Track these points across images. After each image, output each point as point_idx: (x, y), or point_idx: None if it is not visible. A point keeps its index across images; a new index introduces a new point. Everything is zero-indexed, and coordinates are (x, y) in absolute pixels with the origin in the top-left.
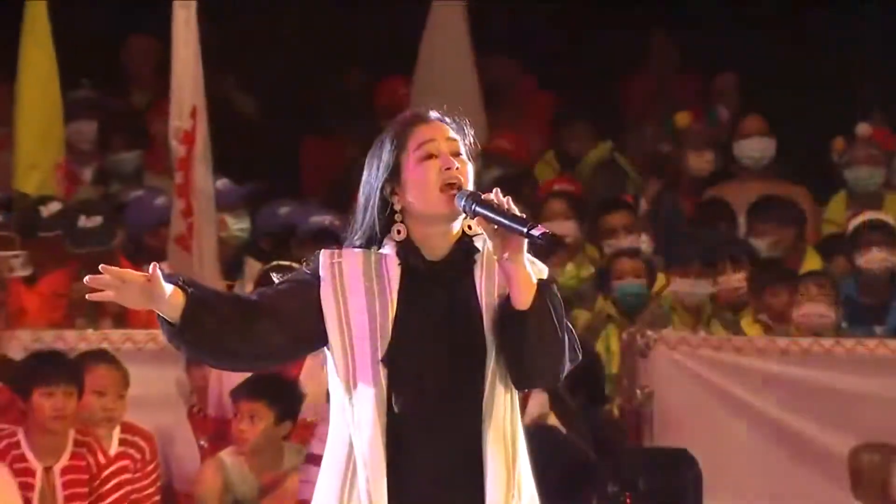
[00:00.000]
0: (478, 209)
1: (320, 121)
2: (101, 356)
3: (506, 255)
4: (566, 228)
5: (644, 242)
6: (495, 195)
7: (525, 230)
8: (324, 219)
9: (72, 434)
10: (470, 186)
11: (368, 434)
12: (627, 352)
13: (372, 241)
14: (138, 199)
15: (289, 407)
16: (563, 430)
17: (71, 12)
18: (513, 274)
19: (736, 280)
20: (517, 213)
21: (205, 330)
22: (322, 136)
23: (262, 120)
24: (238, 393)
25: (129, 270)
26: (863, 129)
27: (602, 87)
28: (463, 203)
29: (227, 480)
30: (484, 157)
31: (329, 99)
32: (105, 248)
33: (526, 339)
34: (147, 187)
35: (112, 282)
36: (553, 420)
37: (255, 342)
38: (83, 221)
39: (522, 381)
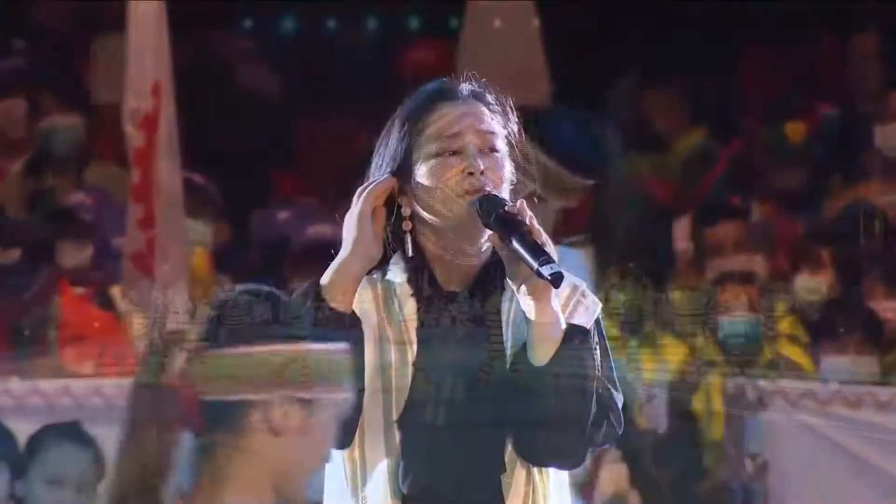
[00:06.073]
0: (492, 224)
1: (321, 96)
2: (62, 432)
3: (521, 287)
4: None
5: (759, 263)
6: (520, 208)
7: (536, 264)
8: (325, 230)
9: None
10: (505, 188)
11: None
12: (734, 410)
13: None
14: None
15: None
16: None
17: None
18: (531, 313)
19: (887, 309)
20: (538, 238)
21: None
22: (322, 117)
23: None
24: None
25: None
26: None
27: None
28: (477, 211)
29: None
30: None
31: (332, 66)
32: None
33: (536, 406)
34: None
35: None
36: (634, 499)
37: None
38: None
39: (528, 458)
